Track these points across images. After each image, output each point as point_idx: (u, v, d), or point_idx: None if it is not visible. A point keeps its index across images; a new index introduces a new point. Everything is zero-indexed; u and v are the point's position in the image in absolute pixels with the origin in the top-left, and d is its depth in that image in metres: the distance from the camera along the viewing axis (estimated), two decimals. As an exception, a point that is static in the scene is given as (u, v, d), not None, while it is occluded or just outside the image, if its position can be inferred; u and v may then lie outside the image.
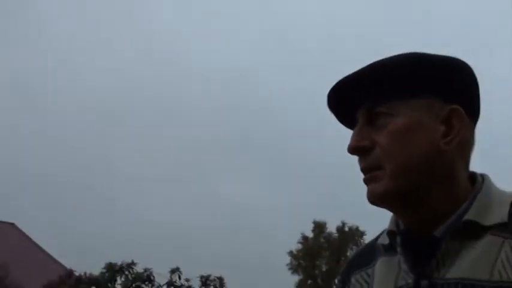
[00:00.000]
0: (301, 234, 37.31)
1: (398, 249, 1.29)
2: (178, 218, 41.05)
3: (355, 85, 1.27)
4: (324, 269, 37.24)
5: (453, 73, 1.27)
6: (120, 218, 38.22)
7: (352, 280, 1.40)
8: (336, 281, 1.35)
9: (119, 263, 18.42)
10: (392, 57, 1.27)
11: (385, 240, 1.34)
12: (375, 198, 1.26)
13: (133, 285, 18.26)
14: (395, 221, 1.33)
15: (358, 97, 1.28)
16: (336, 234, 37.23)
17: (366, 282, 1.36)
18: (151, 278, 18.36)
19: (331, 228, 37.44)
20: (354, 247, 36.74)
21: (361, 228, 36.72)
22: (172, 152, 44.47)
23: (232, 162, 45.85)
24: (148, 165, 42.34)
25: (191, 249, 36.55)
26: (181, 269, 18.53)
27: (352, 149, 1.27)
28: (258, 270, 35.86)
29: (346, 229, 37.07)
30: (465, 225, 1.21)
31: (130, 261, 18.40)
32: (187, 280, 18.57)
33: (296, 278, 37.14)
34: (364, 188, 1.29)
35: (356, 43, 46.86)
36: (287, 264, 37.08)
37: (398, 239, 1.29)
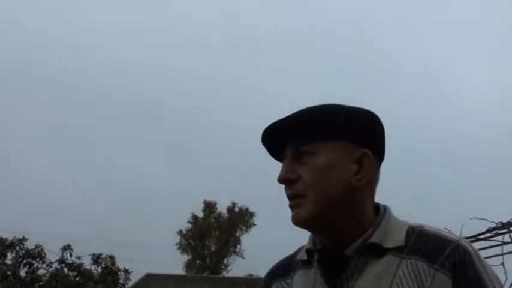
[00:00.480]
0: (191, 213, 37.48)
1: (315, 264, 1.55)
2: (70, 197, 40.43)
3: (286, 128, 1.53)
4: (213, 249, 37.50)
5: (366, 123, 1.56)
6: (14, 194, 37.28)
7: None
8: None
9: (10, 238, 18.08)
10: (317, 106, 1.54)
11: (303, 256, 1.60)
12: (298, 221, 1.51)
13: (24, 261, 17.93)
14: (312, 241, 1.58)
15: (287, 137, 1.54)
16: (226, 215, 37.58)
17: None
18: (43, 254, 18.06)
19: (222, 208, 37.79)
20: (244, 227, 37.29)
21: (251, 210, 37.23)
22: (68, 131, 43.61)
23: (125, 139, 45.42)
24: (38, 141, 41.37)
25: (82, 227, 36.08)
26: (73, 247, 18.36)
27: (282, 180, 1.52)
28: (148, 249, 35.74)
29: (236, 210, 37.43)
30: (370, 247, 1.48)
31: (21, 237, 18.06)
32: (78, 258, 18.38)
33: (185, 258, 37.31)
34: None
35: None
36: (176, 244, 37.15)
37: (315, 256, 1.55)
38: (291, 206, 1.51)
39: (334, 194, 1.48)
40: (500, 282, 1.50)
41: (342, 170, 1.49)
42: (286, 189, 1.53)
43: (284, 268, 1.66)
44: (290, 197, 1.51)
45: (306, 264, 1.58)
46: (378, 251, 1.47)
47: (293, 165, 1.51)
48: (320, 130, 1.51)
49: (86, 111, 44.32)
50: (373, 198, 1.55)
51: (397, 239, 1.48)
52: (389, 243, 1.48)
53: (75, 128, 44.54)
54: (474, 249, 1.47)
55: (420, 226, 1.52)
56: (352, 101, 1.58)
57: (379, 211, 1.55)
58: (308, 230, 1.55)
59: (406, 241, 1.48)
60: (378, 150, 1.56)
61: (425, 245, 1.46)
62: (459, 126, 46.33)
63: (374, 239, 1.48)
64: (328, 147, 1.50)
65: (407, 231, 1.50)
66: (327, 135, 1.51)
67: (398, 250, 1.47)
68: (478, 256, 1.46)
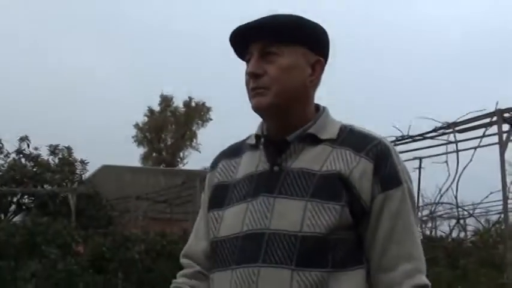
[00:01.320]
0: (148, 107, 37.56)
1: (261, 147, 1.84)
2: (25, 91, 40.00)
3: (255, 30, 1.78)
4: (169, 143, 37.85)
5: (322, 35, 1.85)
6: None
7: (220, 165, 1.93)
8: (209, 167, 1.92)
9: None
10: (286, 14, 1.82)
11: (251, 140, 1.89)
12: (260, 107, 1.78)
13: (-19, 152, 17.99)
14: (261, 128, 1.86)
15: (254, 38, 1.79)
16: (183, 109, 37.75)
17: (234, 167, 1.90)
18: (0, 145, 18.12)
19: (178, 102, 37.90)
20: (200, 122, 37.60)
21: (207, 104, 37.44)
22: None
23: (74, 30, 44.63)
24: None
25: (38, 118, 35.94)
26: (30, 138, 18.45)
27: (251, 73, 1.78)
28: (104, 142, 35.97)
29: (193, 104, 37.59)
30: (307, 136, 1.78)
31: (-22, 128, 18.03)
32: (35, 149, 18.49)
33: (141, 151, 37.64)
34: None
35: None
36: (133, 137, 37.38)
37: (262, 140, 1.84)
38: (254, 95, 1.78)
39: (292, 89, 1.77)
40: (410, 176, 1.80)
41: (300, 71, 1.78)
42: (251, 82, 1.79)
43: (234, 150, 1.95)
44: (255, 88, 1.78)
45: (254, 147, 1.87)
46: (314, 140, 1.78)
47: (260, 62, 1.77)
48: (287, 35, 1.77)
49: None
50: (314, 98, 1.86)
51: (330, 132, 1.79)
52: (324, 135, 1.78)
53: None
54: (393, 147, 1.79)
55: (351, 125, 1.84)
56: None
57: (319, 109, 1.86)
58: (264, 115, 1.82)
59: (338, 135, 1.79)
60: (326, 59, 1.85)
61: (353, 139, 1.77)
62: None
63: (312, 130, 1.79)
64: (292, 51, 1.77)
65: (340, 128, 1.81)
66: (292, 40, 1.78)
67: (331, 142, 1.77)
68: (396, 152, 1.78)
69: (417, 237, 1.76)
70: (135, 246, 11.91)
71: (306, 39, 1.80)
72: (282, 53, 1.76)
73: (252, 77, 1.78)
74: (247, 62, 1.82)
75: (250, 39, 1.80)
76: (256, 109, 1.80)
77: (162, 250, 11.48)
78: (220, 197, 1.86)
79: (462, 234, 10.45)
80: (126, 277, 11.51)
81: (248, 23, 1.80)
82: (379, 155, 1.73)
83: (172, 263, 11.30)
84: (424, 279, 1.71)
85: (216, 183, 1.91)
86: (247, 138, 1.94)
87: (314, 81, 1.82)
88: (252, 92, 1.79)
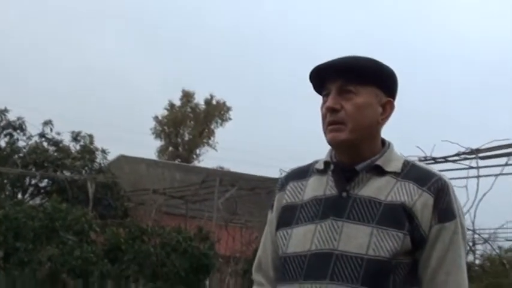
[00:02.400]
0: (169, 101, 37.71)
1: (329, 173, 2.02)
2: (51, 76, 40.32)
3: (337, 69, 1.97)
4: (186, 138, 37.98)
5: (393, 78, 2.05)
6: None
7: (288, 187, 2.10)
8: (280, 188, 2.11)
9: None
10: (365, 57, 2.01)
11: (320, 166, 2.06)
12: (336, 142, 1.97)
13: (4, 131, 18.17)
14: (330, 155, 2.04)
15: (333, 76, 1.98)
16: (203, 106, 37.88)
17: (301, 189, 2.06)
18: (23, 127, 18.28)
19: (199, 99, 38.04)
20: (219, 121, 37.71)
21: (228, 104, 37.57)
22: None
23: (106, 25, 44.94)
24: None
25: (62, 106, 36.22)
26: (53, 123, 18.61)
27: (329, 108, 1.95)
28: (125, 132, 36.17)
29: (214, 102, 37.70)
30: (375, 167, 1.97)
31: (3, 107, 18.24)
32: (58, 134, 18.65)
33: (158, 144, 37.80)
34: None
35: None
36: (151, 129, 37.55)
37: (331, 166, 2.02)
38: (330, 130, 1.96)
39: (365, 126, 1.96)
40: (463, 211, 2.00)
41: (373, 110, 1.97)
42: (328, 115, 1.97)
43: (301, 172, 2.12)
44: (332, 123, 1.96)
45: (321, 172, 2.04)
46: (380, 172, 1.96)
47: (338, 99, 1.95)
48: (364, 76, 1.97)
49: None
50: (381, 133, 2.06)
51: (395, 165, 1.98)
52: (390, 168, 1.97)
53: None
54: (451, 184, 1.97)
55: (413, 161, 2.04)
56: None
57: (385, 144, 2.05)
58: (339, 148, 2.00)
59: (402, 169, 1.97)
60: (395, 99, 2.05)
61: (416, 173, 1.96)
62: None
63: (379, 162, 1.97)
64: (367, 91, 1.97)
65: (403, 163, 2.01)
66: (368, 81, 1.97)
67: (396, 174, 1.96)
68: (453, 189, 1.96)
69: (464, 267, 1.94)
70: (150, 239, 12.06)
71: (381, 82, 2.01)
72: (358, 92, 1.96)
73: (330, 111, 1.96)
74: (324, 97, 2.00)
75: (330, 77, 1.98)
76: (333, 143, 1.99)
77: (177, 246, 11.60)
78: (289, 217, 2.03)
79: (471, 258, 10.53)
80: (139, 269, 11.66)
81: (330, 62, 1.99)
82: (439, 190, 1.91)
83: (186, 259, 11.47)
84: None
85: (284, 204, 2.08)
86: (315, 162, 2.11)
87: (384, 119, 2.01)
88: (329, 126, 1.97)
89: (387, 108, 2.01)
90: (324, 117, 2.00)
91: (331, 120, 1.96)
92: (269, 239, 2.13)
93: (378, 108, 1.98)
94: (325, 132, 1.99)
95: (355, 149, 1.97)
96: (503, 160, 9.33)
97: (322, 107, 2.01)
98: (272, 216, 2.13)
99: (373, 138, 2.01)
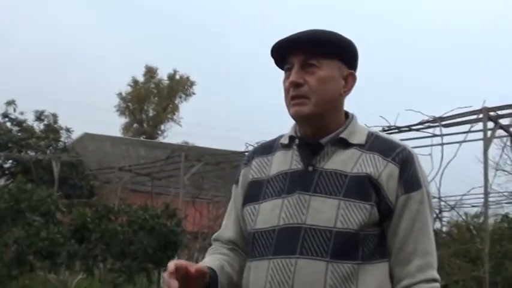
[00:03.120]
0: (132, 77, 37.42)
1: (294, 147, 2.02)
2: (9, 52, 39.61)
3: (298, 43, 1.96)
4: (151, 114, 37.80)
5: (355, 50, 2.05)
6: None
7: (254, 162, 2.10)
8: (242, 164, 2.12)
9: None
10: (325, 30, 2.01)
11: (285, 140, 2.06)
12: (300, 115, 1.97)
13: (-35, 113, 17.91)
14: (294, 130, 2.05)
15: (295, 50, 1.97)
16: (167, 81, 37.66)
17: (267, 164, 2.07)
18: (-15, 108, 18.05)
19: (163, 75, 37.80)
20: (183, 96, 37.56)
21: (192, 79, 37.40)
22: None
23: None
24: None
25: (24, 84, 35.68)
26: (17, 103, 18.39)
27: (292, 83, 1.96)
28: (86, 109, 35.84)
29: (177, 77, 37.52)
30: (339, 140, 1.98)
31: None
32: (21, 113, 18.46)
33: (123, 120, 37.56)
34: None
35: None
36: (115, 106, 37.28)
37: (296, 141, 2.02)
38: (294, 104, 1.96)
39: (328, 99, 1.96)
40: (428, 180, 2.02)
41: (335, 82, 1.97)
42: (291, 90, 1.96)
43: (266, 148, 2.12)
44: (295, 97, 1.96)
45: (286, 147, 2.05)
46: (345, 145, 1.97)
47: (301, 73, 1.95)
48: (327, 49, 1.97)
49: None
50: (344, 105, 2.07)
51: (359, 137, 1.99)
52: (354, 140, 1.97)
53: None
54: (415, 154, 1.98)
55: (376, 132, 2.04)
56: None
57: (349, 116, 2.05)
58: (302, 122, 2.00)
59: (366, 141, 1.98)
60: (356, 71, 2.05)
61: (380, 145, 1.97)
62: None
63: (343, 135, 1.98)
64: (329, 64, 1.97)
65: (368, 134, 2.01)
66: (331, 54, 1.97)
67: (360, 146, 1.96)
68: (418, 159, 1.97)
69: (432, 236, 1.96)
70: (117, 218, 12.00)
71: (343, 55, 1.99)
72: (321, 66, 1.96)
73: (293, 85, 1.95)
74: (286, 71, 1.99)
75: (292, 51, 1.96)
76: (296, 117, 1.98)
77: (144, 224, 11.55)
78: (255, 192, 2.03)
79: (438, 225, 10.67)
80: (107, 248, 11.60)
81: (292, 36, 1.97)
82: (404, 161, 1.93)
83: (153, 237, 11.44)
84: (434, 274, 1.92)
85: (250, 180, 2.07)
86: (280, 137, 2.11)
87: (347, 92, 2.02)
88: (292, 100, 1.97)
89: (349, 80, 2.01)
90: (286, 92, 1.99)
91: (295, 94, 1.96)
92: (233, 212, 2.14)
93: (340, 81, 1.99)
94: (288, 106, 1.99)
95: (319, 122, 1.98)
96: (466, 127, 9.44)
97: (284, 81, 2.00)
98: (237, 191, 2.12)
99: (337, 111, 2.01)
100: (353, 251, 1.86)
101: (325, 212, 1.87)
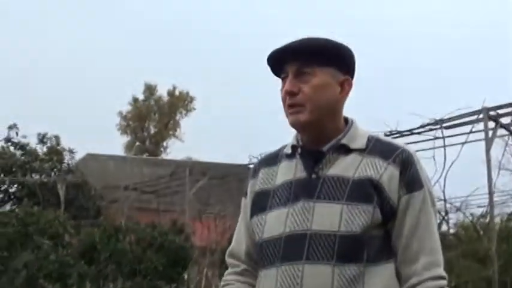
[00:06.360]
0: (132, 95, 37.48)
1: (297, 156, 2.06)
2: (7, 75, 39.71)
3: (292, 52, 2.01)
4: (152, 132, 37.81)
5: (350, 57, 2.08)
6: None
7: (260, 173, 2.15)
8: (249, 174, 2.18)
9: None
10: (317, 38, 2.04)
11: (288, 150, 2.11)
12: (297, 124, 2.01)
13: (-33, 140, 17.92)
14: (296, 139, 2.09)
15: (289, 59, 2.01)
16: (167, 98, 37.71)
17: (273, 175, 2.11)
18: (-13, 133, 18.06)
19: (162, 91, 37.83)
20: (183, 111, 37.59)
21: (191, 94, 37.43)
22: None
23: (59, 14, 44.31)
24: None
25: (24, 107, 35.72)
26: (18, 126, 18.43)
27: (287, 92, 2.00)
28: (88, 130, 35.85)
29: (177, 93, 37.57)
30: (340, 146, 2.02)
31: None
32: (24, 137, 18.48)
33: (125, 139, 37.58)
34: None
35: None
36: (116, 125, 37.31)
37: (299, 150, 2.07)
38: (290, 113, 2.01)
39: (324, 106, 2.00)
40: (429, 180, 2.06)
41: (331, 89, 2.00)
42: (287, 99, 2.00)
43: (272, 159, 2.16)
44: (292, 105, 2.00)
45: (290, 156, 2.09)
46: (346, 150, 2.01)
47: (295, 82, 1.99)
48: (320, 57, 2.00)
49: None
50: (343, 111, 2.10)
51: (360, 142, 2.02)
52: (355, 145, 2.01)
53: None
54: (415, 154, 2.03)
55: (376, 135, 2.08)
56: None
57: (348, 121, 2.08)
58: (300, 130, 2.05)
59: (367, 145, 2.01)
60: (352, 77, 2.08)
61: (381, 148, 2.02)
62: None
63: (344, 141, 2.02)
64: (323, 71, 2.00)
65: (368, 138, 2.04)
66: (324, 62, 2.01)
67: (361, 151, 2.00)
68: (418, 159, 2.02)
69: (436, 234, 2.00)
70: (126, 237, 12.04)
71: (337, 61, 2.04)
72: (315, 74, 1.99)
73: (288, 94, 2.00)
74: (283, 79, 2.05)
75: (286, 60, 2.02)
76: (294, 125, 2.04)
77: (153, 241, 11.60)
78: (262, 203, 2.09)
79: (444, 227, 10.69)
80: (117, 267, 11.64)
81: (285, 46, 2.02)
82: (404, 162, 1.97)
83: (163, 254, 11.48)
84: (441, 271, 1.96)
85: (257, 190, 2.13)
86: (284, 147, 2.16)
87: (343, 97, 2.05)
88: (289, 109, 2.02)
89: (345, 86, 2.04)
90: (283, 100, 2.03)
91: (290, 103, 2.01)
92: (243, 224, 2.19)
93: (336, 87, 2.02)
94: (286, 115, 2.04)
95: (318, 130, 2.02)
96: (467, 128, 9.49)
97: (281, 90, 2.05)
98: (246, 202, 2.17)
99: (335, 117, 2.05)
100: (358, 253, 1.90)
101: (329, 216, 1.92)
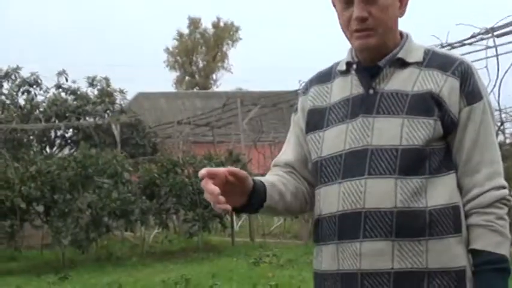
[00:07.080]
0: (177, 30, 37.49)
1: (353, 72, 2.00)
2: (56, 24, 40.00)
3: None
4: (201, 65, 37.94)
5: None
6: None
7: (312, 90, 2.09)
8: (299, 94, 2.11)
9: (4, 68, 18.28)
10: None
11: (342, 67, 2.04)
12: (369, 47, 1.95)
13: (21, 89, 18.26)
14: (350, 55, 2.02)
15: None
16: (212, 30, 37.62)
17: (327, 92, 2.07)
18: (39, 81, 18.34)
19: (207, 24, 37.73)
20: (230, 42, 37.52)
21: (236, 24, 37.24)
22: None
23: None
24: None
25: (72, 54, 36.05)
26: (67, 71, 18.65)
27: (359, 18, 1.91)
28: (139, 68, 36.13)
29: (222, 25, 37.43)
30: (397, 60, 1.96)
31: (15, 66, 18.27)
32: (74, 82, 18.71)
33: (174, 75, 37.80)
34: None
35: None
36: (164, 61, 37.50)
37: (354, 66, 2.01)
38: (358, 36, 1.93)
39: (392, 25, 1.96)
40: (487, 90, 2.00)
41: (394, 6, 1.94)
42: (355, 23, 1.92)
43: (324, 76, 2.10)
44: (360, 30, 1.92)
45: (344, 73, 2.03)
46: (403, 64, 1.95)
47: (363, 5, 1.91)
48: None
49: None
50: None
51: (416, 55, 1.97)
52: (411, 59, 1.96)
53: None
54: (473, 65, 1.96)
55: (432, 48, 2.01)
56: None
57: (403, 36, 2.02)
58: (368, 52, 1.97)
59: (424, 58, 1.96)
60: None
61: (438, 60, 1.95)
62: None
63: (400, 54, 1.96)
64: None
65: (424, 51, 1.98)
66: None
67: (418, 64, 1.95)
68: (476, 70, 1.95)
69: (496, 144, 1.96)
70: (183, 170, 12.22)
71: None
72: None
73: (359, 20, 1.92)
74: (344, 4, 1.96)
75: None
76: (364, 49, 1.96)
77: (211, 172, 11.74)
78: (318, 120, 2.05)
79: (501, 138, 10.53)
80: (178, 200, 11.86)
81: None
82: (464, 73, 1.92)
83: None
84: (502, 181, 1.93)
85: (310, 108, 2.09)
86: (336, 64, 2.10)
87: (403, 13, 1.98)
88: (356, 33, 1.94)
89: (404, 0, 1.99)
90: (345, 25, 1.97)
91: (359, 28, 1.93)
92: (292, 138, 2.16)
93: (397, 3, 1.96)
94: (350, 39, 1.97)
95: (382, 49, 1.97)
96: (521, 34, 9.21)
97: (341, 14, 1.98)
98: (297, 117, 2.14)
99: (396, 34, 2.00)
100: (420, 166, 1.88)
101: (390, 131, 1.90)
